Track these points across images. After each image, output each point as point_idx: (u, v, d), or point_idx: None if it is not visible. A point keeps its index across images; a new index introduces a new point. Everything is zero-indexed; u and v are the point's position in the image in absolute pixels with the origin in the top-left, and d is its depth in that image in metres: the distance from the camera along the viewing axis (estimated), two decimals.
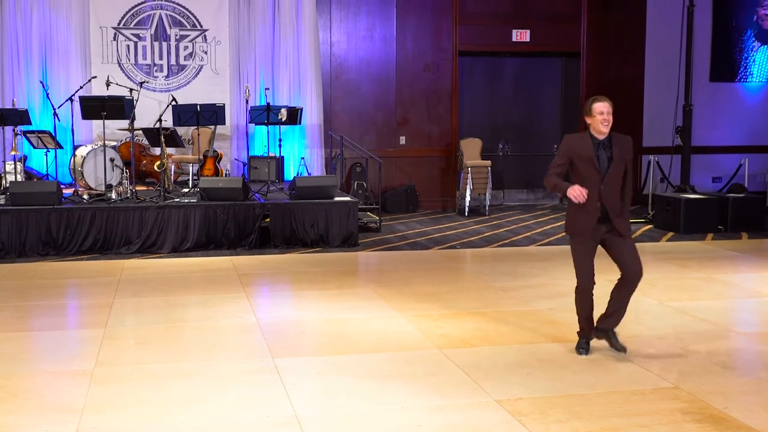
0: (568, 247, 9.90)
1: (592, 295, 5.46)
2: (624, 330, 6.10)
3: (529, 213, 12.74)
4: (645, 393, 4.77)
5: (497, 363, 5.34)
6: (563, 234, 10.57)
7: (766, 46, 14.19)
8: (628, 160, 5.36)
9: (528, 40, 13.35)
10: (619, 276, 5.44)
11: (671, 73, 12.26)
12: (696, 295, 7.23)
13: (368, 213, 11.38)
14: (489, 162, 12.57)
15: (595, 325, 5.55)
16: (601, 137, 5.28)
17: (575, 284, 5.47)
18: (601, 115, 5.21)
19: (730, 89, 14.11)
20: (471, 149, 12.71)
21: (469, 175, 12.32)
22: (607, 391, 4.79)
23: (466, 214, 12.35)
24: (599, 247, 5.46)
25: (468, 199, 12.37)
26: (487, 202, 12.59)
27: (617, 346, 5.48)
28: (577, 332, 5.63)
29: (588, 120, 5.29)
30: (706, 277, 8.04)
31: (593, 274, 5.42)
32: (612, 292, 5.49)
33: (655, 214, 11.30)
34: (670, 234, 10.70)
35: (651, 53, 13.59)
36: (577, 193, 5.19)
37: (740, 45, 14.11)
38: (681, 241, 10.29)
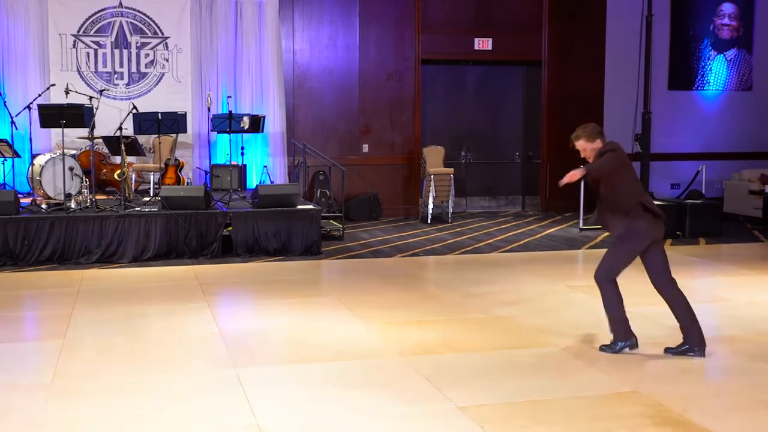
0: (532, 254, 10.00)
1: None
2: (585, 335, 6.16)
3: (492, 220, 12.81)
4: (606, 398, 4.81)
5: (460, 370, 5.35)
6: (525, 241, 10.69)
7: (722, 55, 14.44)
8: None
9: (490, 48, 13.44)
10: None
11: (630, 82, 12.42)
12: (656, 300, 7.26)
13: (331, 221, 11.37)
14: (452, 170, 12.62)
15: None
16: None
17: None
18: None
19: (687, 97, 14.33)
20: (434, 157, 12.75)
21: (432, 182, 12.35)
22: (569, 397, 4.82)
23: (429, 221, 12.38)
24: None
25: (431, 206, 12.41)
26: (450, 210, 12.63)
27: None
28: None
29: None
30: None
31: None
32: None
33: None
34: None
35: (611, 62, 13.77)
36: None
37: (697, 54, 14.34)
38: None
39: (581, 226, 11.72)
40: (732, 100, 14.52)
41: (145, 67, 12.12)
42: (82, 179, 10.10)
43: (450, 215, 12.62)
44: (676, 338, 6.01)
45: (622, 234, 5.62)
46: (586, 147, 5.69)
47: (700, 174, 12.07)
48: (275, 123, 12.42)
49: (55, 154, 10.26)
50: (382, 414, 4.56)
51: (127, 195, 10.03)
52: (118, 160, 10.86)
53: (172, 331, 6.35)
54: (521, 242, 10.66)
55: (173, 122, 10.59)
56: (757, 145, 14.63)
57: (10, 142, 9.98)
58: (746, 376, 5.25)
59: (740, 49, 14.51)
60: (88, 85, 11.78)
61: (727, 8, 14.41)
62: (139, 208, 9.64)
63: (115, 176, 10.81)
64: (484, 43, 13.41)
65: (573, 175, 5.47)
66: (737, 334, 6.30)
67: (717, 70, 14.43)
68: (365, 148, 13.09)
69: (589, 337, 6.12)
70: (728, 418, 4.49)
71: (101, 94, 10.87)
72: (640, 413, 4.56)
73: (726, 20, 14.43)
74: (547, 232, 11.61)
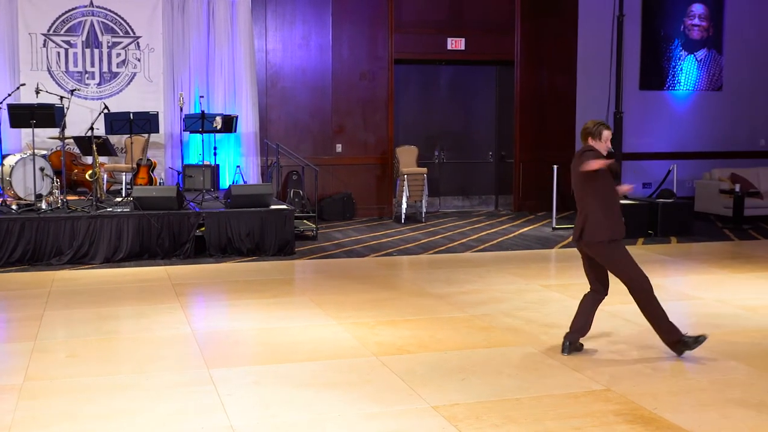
0: (505, 253, 10.03)
1: None
2: (557, 334, 6.20)
3: (465, 219, 12.85)
4: (578, 396, 4.85)
5: (433, 369, 5.37)
6: (499, 240, 10.74)
7: (692, 56, 14.57)
8: None
9: (463, 48, 13.48)
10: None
11: (602, 82, 12.50)
12: (627, 299, 7.31)
13: (305, 221, 11.35)
14: (425, 169, 12.65)
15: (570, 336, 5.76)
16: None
17: (643, 288, 5.62)
18: (606, 142, 5.67)
19: (659, 97, 14.45)
20: (407, 157, 12.77)
21: (405, 182, 12.37)
22: (541, 395, 4.86)
23: (403, 221, 12.40)
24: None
25: (404, 206, 12.42)
26: (424, 209, 12.66)
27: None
28: (681, 338, 5.64)
29: (592, 141, 5.65)
30: None
31: None
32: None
33: None
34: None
35: (582, 62, 13.84)
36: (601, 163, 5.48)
37: (668, 54, 14.46)
38: None
39: (554, 225, 11.79)
40: (702, 100, 14.67)
41: (117, 67, 12.03)
42: (53, 179, 10.01)
43: (423, 215, 12.64)
44: (648, 336, 6.06)
45: None
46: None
47: (671, 173, 12.18)
48: (248, 123, 12.37)
49: (26, 154, 10.15)
50: (356, 414, 4.56)
51: (98, 195, 9.95)
52: (89, 160, 10.77)
53: (144, 332, 6.31)
54: (494, 242, 10.71)
55: (145, 122, 10.53)
56: (727, 144, 14.79)
57: None
58: (716, 374, 5.31)
59: (710, 49, 14.65)
60: (59, 85, 11.68)
61: (697, 9, 14.54)
62: (110, 209, 9.58)
63: (87, 176, 10.72)
64: (456, 43, 13.44)
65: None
66: (707, 332, 6.35)
67: (687, 71, 14.56)
68: (338, 147, 13.08)
69: (562, 337, 6.14)
70: (698, 416, 4.54)
71: (72, 94, 10.78)
72: (612, 411, 4.59)
73: (696, 21, 14.57)
74: (520, 231, 11.66)
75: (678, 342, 5.63)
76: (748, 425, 4.40)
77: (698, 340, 5.62)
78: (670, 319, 5.64)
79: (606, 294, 5.79)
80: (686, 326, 6.75)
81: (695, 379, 5.24)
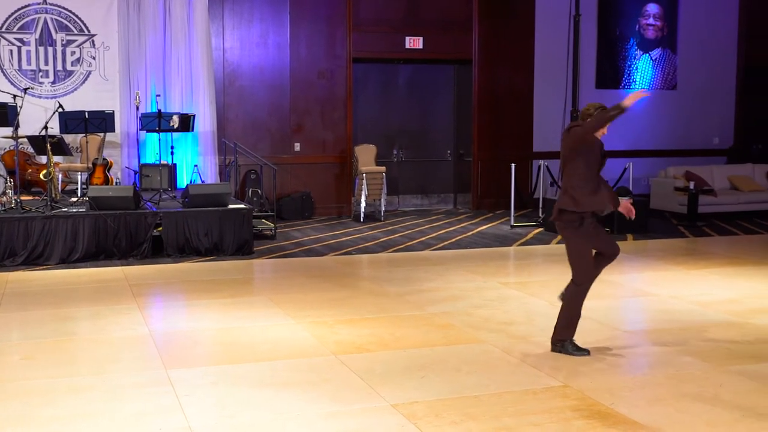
0: (464, 251, 10.08)
1: None
2: (516, 331, 6.25)
3: (424, 218, 12.88)
4: (536, 392, 4.89)
5: (392, 367, 5.38)
6: (457, 238, 10.78)
7: (647, 55, 14.76)
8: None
9: (421, 47, 13.51)
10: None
11: (559, 80, 12.63)
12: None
13: (263, 220, 11.31)
14: (384, 168, 12.66)
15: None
16: None
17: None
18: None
19: (615, 96, 14.58)
20: (366, 155, 12.77)
21: (364, 181, 12.37)
22: (500, 392, 4.89)
23: (362, 220, 12.40)
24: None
25: (363, 205, 12.42)
26: (383, 208, 12.67)
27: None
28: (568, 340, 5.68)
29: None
30: None
31: None
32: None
33: (546, 217, 11.59)
34: (560, 236, 10.97)
35: (540, 61, 13.97)
36: None
37: (624, 53, 14.64)
38: None
39: (512, 223, 11.87)
40: (657, 99, 14.87)
41: (71, 65, 11.87)
42: (6, 180, 9.86)
43: (382, 213, 12.65)
44: (605, 332, 6.13)
45: None
46: None
47: (627, 171, 12.32)
48: (206, 122, 12.28)
49: None
50: (315, 413, 4.55)
51: (53, 195, 9.81)
52: (43, 159, 10.62)
53: (101, 334, 6.24)
54: (453, 240, 10.75)
55: (101, 121, 10.41)
56: (681, 142, 15.01)
57: None
58: (671, 369, 5.38)
59: (665, 48, 14.86)
60: (12, 83, 11.49)
61: (652, 9, 14.74)
62: (66, 209, 9.45)
63: (41, 176, 10.57)
64: (414, 42, 13.47)
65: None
66: (663, 328, 6.46)
67: (643, 70, 14.75)
68: (297, 146, 13.05)
69: (520, 333, 6.20)
70: (654, 410, 4.60)
71: (25, 93, 10.64)
72: (569, 407, 4.64)
73: (651, 20, 14.77)
74: (479, 229, 11.72)
75: (560, 342, 5.64)
76: (703, 419, 4.47)
77: (579, 350, 5.58)
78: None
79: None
80: (642, 322, 6.86)
81: (651, 375, 5.31)
